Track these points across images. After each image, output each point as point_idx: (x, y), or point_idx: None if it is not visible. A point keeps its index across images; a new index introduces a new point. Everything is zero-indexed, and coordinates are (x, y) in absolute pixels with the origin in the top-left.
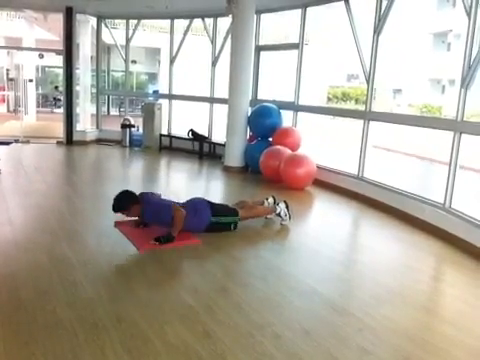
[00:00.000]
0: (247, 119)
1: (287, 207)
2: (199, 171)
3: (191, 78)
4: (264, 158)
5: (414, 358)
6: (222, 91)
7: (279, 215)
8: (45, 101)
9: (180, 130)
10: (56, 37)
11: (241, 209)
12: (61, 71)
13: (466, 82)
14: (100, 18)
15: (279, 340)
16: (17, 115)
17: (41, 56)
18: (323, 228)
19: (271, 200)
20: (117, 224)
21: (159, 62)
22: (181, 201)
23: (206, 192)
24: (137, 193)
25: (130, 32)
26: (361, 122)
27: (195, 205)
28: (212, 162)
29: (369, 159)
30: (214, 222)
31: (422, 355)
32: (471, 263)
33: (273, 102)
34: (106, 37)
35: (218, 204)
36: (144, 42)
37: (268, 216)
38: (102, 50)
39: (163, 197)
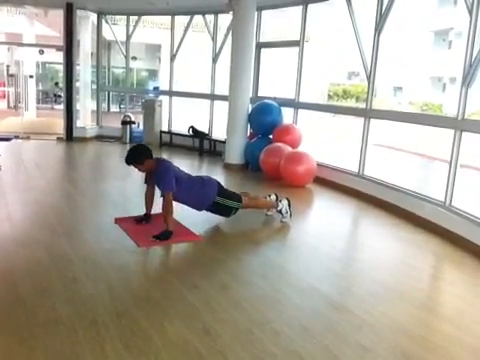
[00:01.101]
0: (248, 116)
1: (289, 205)
2: (199, 168)
3: (192, 75)
4: (264, 155)
5: (413, 356)
6: (223, 88)
7: (280, 212)
8: (45, 97)
9: (180, 127)
10: (56, 33)
11: (244, 197)
12: (61, 67)
13: (467, 80)
14: (100, 14)
15: (278, 337)
16: (17, 111)
17: (41, 52)
18: (323, 226)
19: (273, 197)
20: (117, 220)
21: (160, 59)
22: (193, 175)
23: None
24: None
25: (130, 28)
26: (362, 120)
27: (204, 180)
28: (212, 159)
29: (370, 157)
30: (218, 202)
31: (421, 353)
32: (471, 261)
33: (274, 99)
34: (106, 33)
35: (226, 188)
36: (145, 38)
37: (268, 213)
38: (102, 46)
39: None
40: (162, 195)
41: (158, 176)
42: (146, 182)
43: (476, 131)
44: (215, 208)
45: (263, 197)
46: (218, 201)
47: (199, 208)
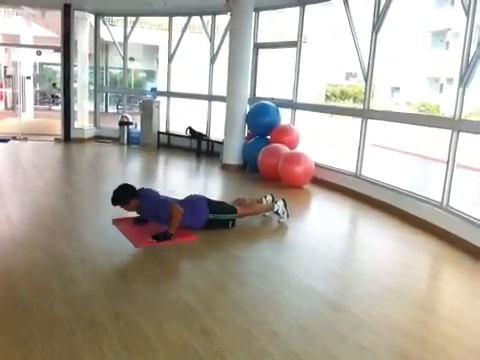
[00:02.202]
0: (245, 117)
1: (285, 205)
2: (197, 169)
3: (189, 76)
4: (262, 156)
5: (411, 355)
6: (220, 89)
7: (277, 213)
8: (43, 98)
9: (178, 128)
10: (54, 34)
11: (239, 206)
12: (59, 68)
13: (464, 80)
14: (98, 15)
15: (277, 338)
16: (15, 112)
17: (39, 53)
18: (321, 226)
19: (269, 198)
20: (115, 221)
21: (157, 59)
22: (179, 198)
23: (204, 190)
24: (137, 188)
25: (128, 29)
26: (359, 120)
27: (194, 203)
28: (210, 160)
29: (367, 158)
30: (212, 219)
31: (419, 352)
32: (469, 262)
33: (271, 100)
34: (104, 34)
35: (216, 201)
36: (142, 39)
37: (266, 213)
38: (100, 47)
39: (162, 194)
40: (169, 216)
41: (148, 209)
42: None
43: (473, 131)
44: (211, 225)
45: (259, 199)
46: (211, 218)
47: (196, 228)
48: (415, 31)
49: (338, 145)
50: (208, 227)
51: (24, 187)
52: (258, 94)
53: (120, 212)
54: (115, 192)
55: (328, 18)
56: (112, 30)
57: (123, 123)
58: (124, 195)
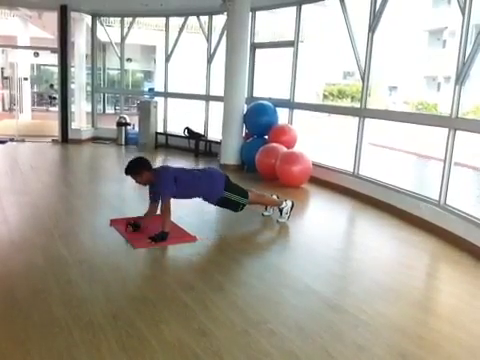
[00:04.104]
0: (243, 117)
1: (292, 207)
2: None
3: (187, 76)
4: (260, 156)
5: (409, 354)
6: (218, 89)
7: (281, 210)
8: (40, 99)
9: (176, 128)
10: (51, 35)
11: (250, 192)
12: (56, 69)
13: (460, 79)
14: (95, 16)
15: (275, 337)
16: (12, 114)
17: (36, 54)
18: (319, 226)
19: (275, 197)
20: (113, 222)
21: (154, 60)
22: (197, 168)
23: None
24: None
25: (125, 30)
26: (356, 119)
27: (212, 173)
28: (208, 160)
29: (365, 156)
30: (225, 197)
31: (417, 351)
32: (467, 260)
33: (269, 100)
34: (101, 35)
35: (233, 183)
36: (139, 40)
37: (265, 213)
38: (97, 48)
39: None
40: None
41: (158, 186)
42: (150, 198)
43: (469, 130)
44: (223, 202)
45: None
46: (225, 196)
47: (210, 201)
48: (412, 30)
49: (335, 144)
50: (220, 204)
51: (21, 189)
52: (255, 94)
53: (118, 214)
54: (130, 162)
55: (325, 17)
56: (109, 31)
57: (121, 124)
58: (139, 166)
